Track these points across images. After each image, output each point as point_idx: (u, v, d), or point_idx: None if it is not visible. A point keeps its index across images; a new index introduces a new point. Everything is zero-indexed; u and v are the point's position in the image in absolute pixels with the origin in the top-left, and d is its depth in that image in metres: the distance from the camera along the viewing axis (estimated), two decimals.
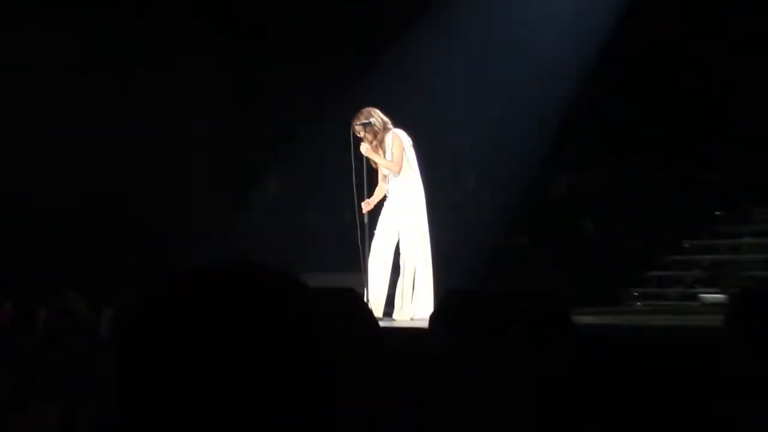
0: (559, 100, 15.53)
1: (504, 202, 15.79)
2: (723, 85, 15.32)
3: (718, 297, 11.71)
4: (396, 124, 9.51)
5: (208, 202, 15.16)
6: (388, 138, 9.32)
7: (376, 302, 9.09)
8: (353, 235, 9.63)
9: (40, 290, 9.02)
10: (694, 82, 14.91)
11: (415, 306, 9.01)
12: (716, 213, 14.13)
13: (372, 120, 9.28)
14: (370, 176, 9.59)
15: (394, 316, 9.11)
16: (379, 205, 9.48)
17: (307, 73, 15.30)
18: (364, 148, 9.31)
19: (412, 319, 8.86)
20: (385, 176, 9.40)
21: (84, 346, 7.78)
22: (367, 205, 9.41)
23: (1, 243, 12.07)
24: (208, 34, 15.61)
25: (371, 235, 9.38)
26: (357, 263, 9.56)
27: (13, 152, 12.87)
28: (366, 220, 9.43)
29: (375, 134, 9.28)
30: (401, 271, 9.21)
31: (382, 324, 8.40)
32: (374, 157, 9.32)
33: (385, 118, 9.39)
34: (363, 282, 9.40)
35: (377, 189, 9.48)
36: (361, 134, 9.31)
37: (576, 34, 15.71)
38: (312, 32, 15.67)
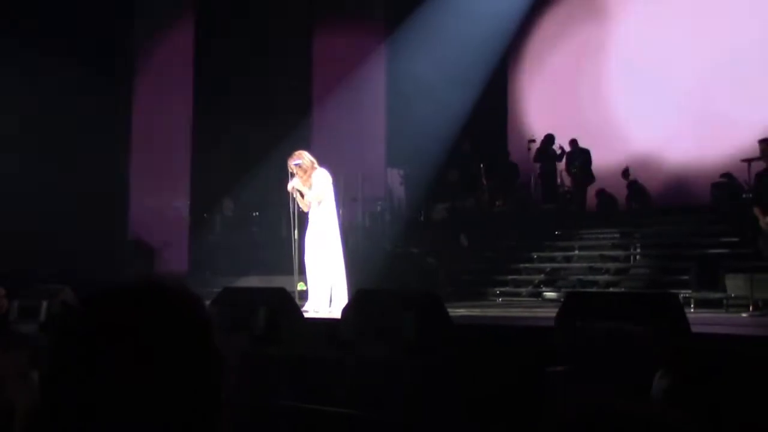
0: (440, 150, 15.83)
1: (401, 222, 15.86)
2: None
3: (556, 294, 11.87)
4: (321, 164, 9.36)
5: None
6: (315, 175, 9.16)
7: (311, 298, 8.94)
8: (288, 247, 9.49)
9: (43, 288, 8.77)
10: None
11: (333, 302, 8.87)
12: (556, 233, 14.32)
13: (302, 161, 9.13)
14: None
15: (316, 308, 8.94)
16: (305, 225, 9.31)
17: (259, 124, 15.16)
18: (296, 182, 9.15)
19: (330, 312, 8.73)
20: (309, 203, 9.23)
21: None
22: (291, 188, 9.15)
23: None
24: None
25: (300, 248, 9.24)
26: (290, 268, 9.43)
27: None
28: (296, 236, 9.30)
29: (305, 171, 9.11)
30: (322, 275, 9.07)
31: (309, 315, 8.32)
32: (303, 189, 9.16)
33: (313, 159, 9.24)
34: (293, 282, 9.27)
35: (301, 202, 9.24)
36: (294, 170, 9.13)
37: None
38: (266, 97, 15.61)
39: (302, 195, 9.10)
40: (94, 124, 13.15)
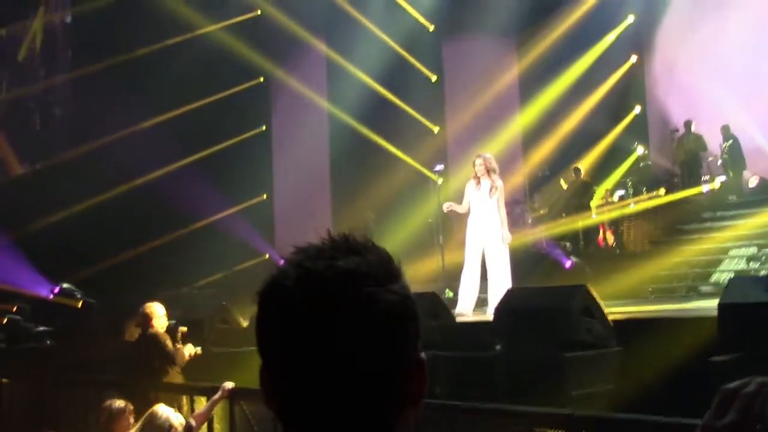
0: None
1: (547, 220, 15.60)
2: None
3: (712, 288, 11.39)
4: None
5: None
6: (497, 177, 9.12)
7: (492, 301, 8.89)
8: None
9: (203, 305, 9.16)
10: None
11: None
12: (707, 225, 13.74)
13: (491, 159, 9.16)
14: None
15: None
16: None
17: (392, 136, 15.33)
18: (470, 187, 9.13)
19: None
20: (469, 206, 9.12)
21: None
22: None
23: None
24: None
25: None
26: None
27: None
28: (441, 242, 9.35)
29: (490, 171, 9.06)
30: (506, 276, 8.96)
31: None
32: (474, 192, 9.10)
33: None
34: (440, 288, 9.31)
35: (457, 207, 9.22)
36: (480, 169, 9.04)
37: None
38: None
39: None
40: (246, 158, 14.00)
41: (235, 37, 15.38)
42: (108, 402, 5.51)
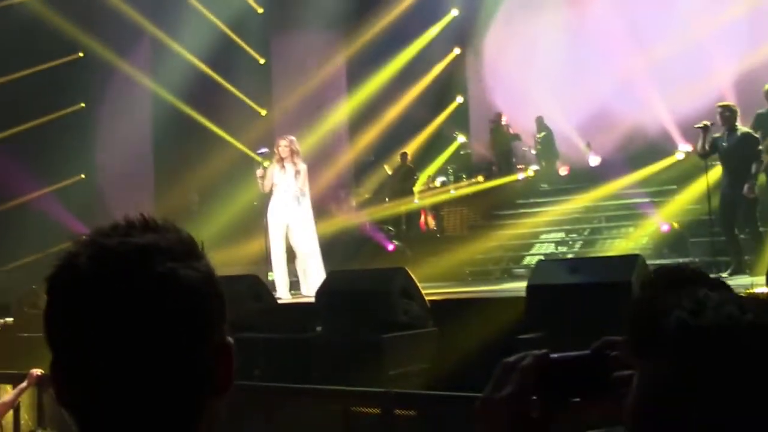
0: None
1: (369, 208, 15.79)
2: None
3: (525, 270, 11.88)
4: None
5: None
6: (302, 162, 9.07)
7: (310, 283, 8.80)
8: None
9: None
10: None
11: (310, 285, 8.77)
12: (521, 211, 14.32)
13: (296, 144, 9.11)
14: None
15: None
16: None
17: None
18: (273, 169, 9.04)
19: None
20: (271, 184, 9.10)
21: None
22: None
23: None
24: None
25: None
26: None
27: None
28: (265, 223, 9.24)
29: (294, 154, 9.00)
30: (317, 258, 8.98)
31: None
32: (281, 176, 9.00)
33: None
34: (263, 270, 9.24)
35: (260, 184, 9.16)
36: (284, 152, 8.92)
37: None
38: None
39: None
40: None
41: (52, 8, 14.48)
42: None
